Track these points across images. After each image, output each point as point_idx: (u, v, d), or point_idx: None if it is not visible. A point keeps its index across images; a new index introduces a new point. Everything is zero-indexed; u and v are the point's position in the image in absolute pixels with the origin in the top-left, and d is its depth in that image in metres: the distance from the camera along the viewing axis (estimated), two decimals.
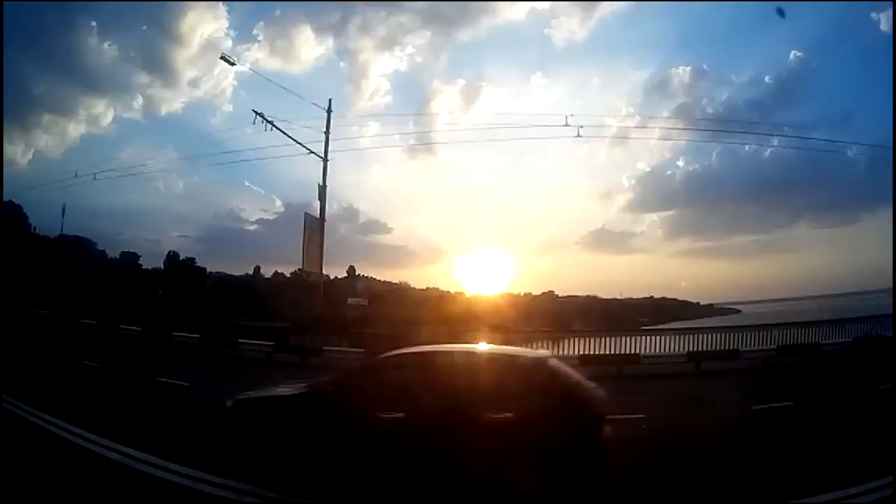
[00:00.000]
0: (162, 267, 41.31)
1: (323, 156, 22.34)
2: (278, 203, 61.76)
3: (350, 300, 31.56)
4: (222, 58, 23.40)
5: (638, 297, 42.40)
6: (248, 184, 64.62)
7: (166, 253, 42.35)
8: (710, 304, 47.33)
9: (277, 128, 21.23)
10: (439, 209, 68.28)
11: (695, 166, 62.88)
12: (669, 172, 64.13)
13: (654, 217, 71.49)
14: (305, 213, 22.76)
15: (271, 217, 59.09)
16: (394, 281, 43.25)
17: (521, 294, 40.05)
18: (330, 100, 23.35)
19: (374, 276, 42.97)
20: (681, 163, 63.56)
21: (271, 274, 41.99)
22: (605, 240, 71.07)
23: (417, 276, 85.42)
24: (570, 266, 63.81)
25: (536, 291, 42.02)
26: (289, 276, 38.59)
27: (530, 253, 64.77)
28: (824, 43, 57.75)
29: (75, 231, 39.19)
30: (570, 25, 60.13)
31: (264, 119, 21.03)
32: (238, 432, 5.93)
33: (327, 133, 22.61)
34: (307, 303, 23.52)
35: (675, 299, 43.68)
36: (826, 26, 55.88)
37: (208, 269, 41.65)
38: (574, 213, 71.12)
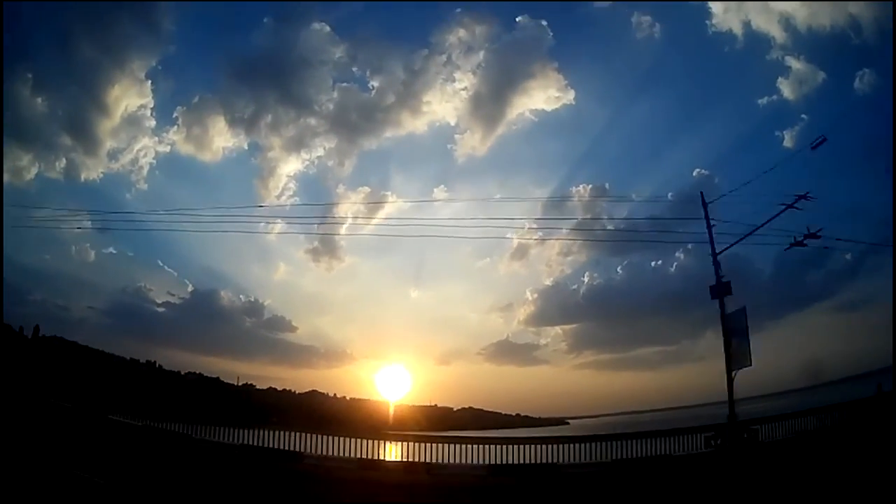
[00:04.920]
0: None
1: None
2: (189, 287, 58.84)
3: None
4: None
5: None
6: (160, 263, 59.65)
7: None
8: (527, 416, 50.09)
9: None
10: (342, 313, 67.29)
11: (599, 280, 65.60)
12: (574, 287, 66.84)
13: (557, 330, 73.34)
14: None
15: (178, 302, 56.35)
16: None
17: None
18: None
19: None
20: (585, 277, 66.23)
21: None
22: (509, 351, 72.47)
23: (323, 378, 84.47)
24: (471, 376, 64.09)
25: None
26: None
27: (433, 361, 64.39)
28: (727, 159, 63.62)
29: None
30: (472, 142, 62.93)
31: None
32: None
33: None
34: None
35: (487, 410, 45.87)
36: (729, 144, 62.38)
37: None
38: (476, 324, 72.18)
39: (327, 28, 54.38)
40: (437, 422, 37.37)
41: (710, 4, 50.15)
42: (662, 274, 61.50)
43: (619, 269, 65.15)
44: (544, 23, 53.59)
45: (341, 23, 65.70)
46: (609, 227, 57.57)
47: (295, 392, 40.16)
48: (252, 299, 59.80)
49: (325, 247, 58.97)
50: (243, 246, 67.23)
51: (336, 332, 78.74)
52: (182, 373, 38.45)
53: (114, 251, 58.91)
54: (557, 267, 66.44)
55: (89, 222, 45.35)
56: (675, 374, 68.97)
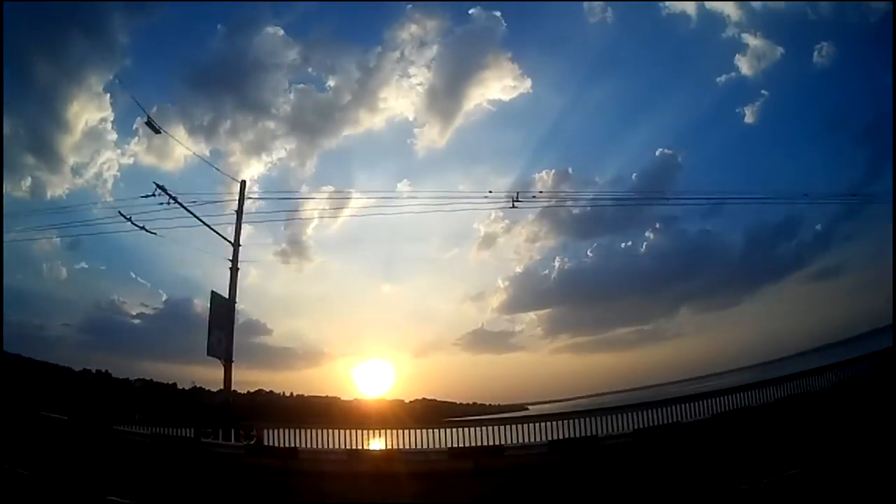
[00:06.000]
0: None
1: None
2: (164, 297, 61.98)
3: None
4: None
5: None
6: (133, 275, 59.52)
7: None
8: (482, 404, 52.11)
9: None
10: (317, 313, 68.06)
11: (569, 264, 67.32)
12: (545, 272, 68.41)
13: (531, 316, 74.38)
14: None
15: (151, 312, 59.67)
16: None
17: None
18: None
19: None
20: (556, 262, 68.13)
21: None
22: (485, 339, 73.85)
23: (303, 378, 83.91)
24: (448, 367, 65.48)
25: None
26: None
27: (410, 354, 65.49)
28: (689, 138, 65.06)
29: None
30: (431, 135, 64.33)
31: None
32: None
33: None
34: None
35: (440, 400, 48.19)
36: (690, 122, 63.39)
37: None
38: (450, 315, 73.52)
39: (280, 31, 55.37)
40: (385, 414, 38.70)
41: None
42: (633, 254, 64.11)
43: (588, 252, 67.55)
44: (497, 13, 55.43)
45: (294, 25, 66.88)
46: (574, 212, 60.22)
47: (245, 392, 41.27)
48: None
49: (294, 248, 60.26)
50: (213, 252, 68.00)
51: (312, 333, 79.91)
52: (132, 379, 38.99)
53: (85, 266, 58.81)
54: (526, 253, 68.64)
55: (58, 239, 45.59)
56: (652, 352, 71.44)
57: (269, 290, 66.19)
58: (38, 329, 55.65)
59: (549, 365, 71.46)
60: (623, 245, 66.01)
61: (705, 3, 51.65)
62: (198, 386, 39.30)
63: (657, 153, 56.49)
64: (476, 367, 71.29)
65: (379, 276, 73.44)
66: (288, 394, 45.05)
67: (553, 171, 57.84)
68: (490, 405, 54.05)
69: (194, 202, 20.27)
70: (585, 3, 58.73)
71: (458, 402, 50.57)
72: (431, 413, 41.94)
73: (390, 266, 73.17)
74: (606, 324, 76.94)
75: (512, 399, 56.77)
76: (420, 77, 58.58)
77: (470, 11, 59.45)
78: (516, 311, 76.63)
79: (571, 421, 19.14)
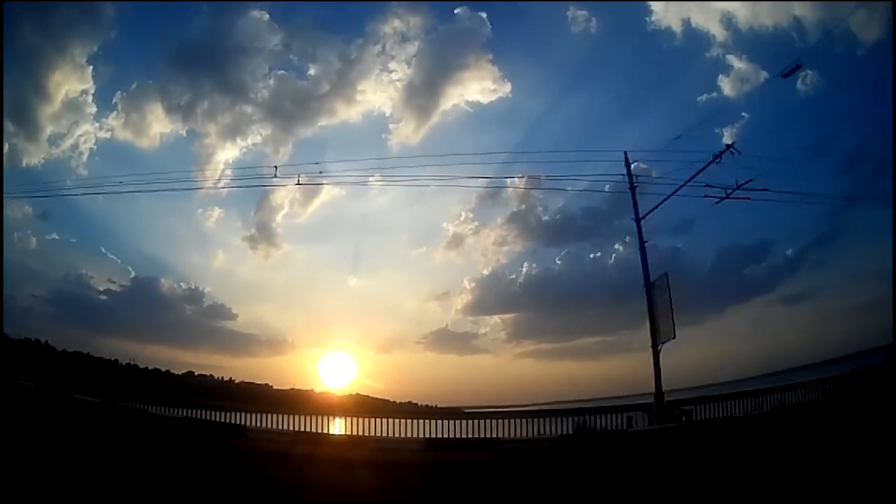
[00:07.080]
0: None
1: None
2: (132, 274, 57.31)
3: None
4: None
5: None
6: (103, 250, 58.60)
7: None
8: (416, 403, 54.17)
9: None
10: (282, 301, 68.30)
11: (537, 270, 68.61)
12: (511, 276, 69.67)
13: (496, 319, 75.24)
14: None
15: (118, 289, 55.18)
16: None
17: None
18: None
19: None
20: (523, 267, 69.55)
21: None
22: (448, 340, 74.83)
23: (264, 366, 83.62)
24: (410, 364, 66.47)
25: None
26: None
27: (373, 349, 66.27)
28: (665, 154, 64.79)
29: None
30: (406, 131, 64.61)
31: None
32: None
33: None
34: None
35: (373, 397, 49.51)
36: (667, 139, 62.45)
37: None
38: (414, 313, 73.64)
39: (266, 15, 56.02)
40: (310, 404, 40.93)
41: (649, 3, 51.03)
42: (601, 265, 65.28)
43: (556, 259, 68.96)
44: (483, 14, 56.19)
45: (279, 10, 66.60)
46: (544, 219, 62.06)
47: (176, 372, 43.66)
48: (192, 286, 60.88)
49: (262, 234, 60.94)
50: (182, 233, 68.18)
51: (276, 321, 79.16)
52: (68, 351, 40.74)
53: (56, 237, 58.57)
54: (493, 256, 69.52)
55: (30, 208, 46.26)
56: (614, 363, 72.81)
57: (236, 274, 66.70)
58: (8, 298, 56.23)
59: (511, 370, 73.49)
60: (592, 255, 68.26)
61: (692, 20, 53.23)
62: (133, 363, 41.36)
63: (631, 167, 57.40)
64: (436, 368, 72.96)
65: (346, 268, 74.39)
66: (227, 378, 47.21)
67: (526, 177, 58.66)
68: (424, 405, 56.26)
69: None
70: (570, 13, 60.28)
71: (391, 400, 52.50)
72: (357, 407, 44.20)
73: (357, 259, 74.47)
74: (571, 332, 78.28)
75: (456, 402, 58.69)
76: (400, 72, 59.52)
77: (455, 11, 60.11)
78: (481, 313, 77.74)
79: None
